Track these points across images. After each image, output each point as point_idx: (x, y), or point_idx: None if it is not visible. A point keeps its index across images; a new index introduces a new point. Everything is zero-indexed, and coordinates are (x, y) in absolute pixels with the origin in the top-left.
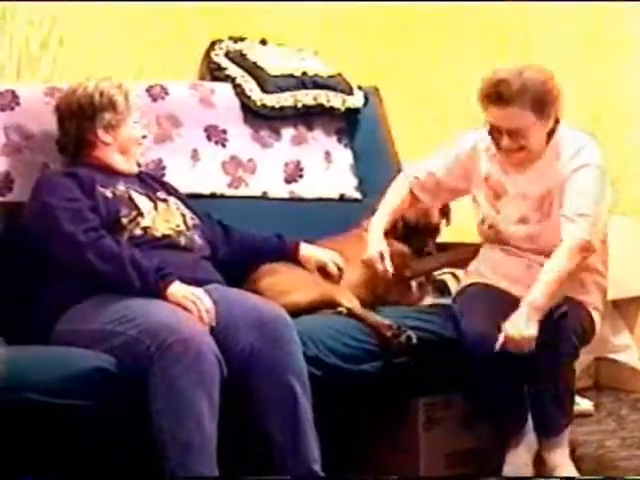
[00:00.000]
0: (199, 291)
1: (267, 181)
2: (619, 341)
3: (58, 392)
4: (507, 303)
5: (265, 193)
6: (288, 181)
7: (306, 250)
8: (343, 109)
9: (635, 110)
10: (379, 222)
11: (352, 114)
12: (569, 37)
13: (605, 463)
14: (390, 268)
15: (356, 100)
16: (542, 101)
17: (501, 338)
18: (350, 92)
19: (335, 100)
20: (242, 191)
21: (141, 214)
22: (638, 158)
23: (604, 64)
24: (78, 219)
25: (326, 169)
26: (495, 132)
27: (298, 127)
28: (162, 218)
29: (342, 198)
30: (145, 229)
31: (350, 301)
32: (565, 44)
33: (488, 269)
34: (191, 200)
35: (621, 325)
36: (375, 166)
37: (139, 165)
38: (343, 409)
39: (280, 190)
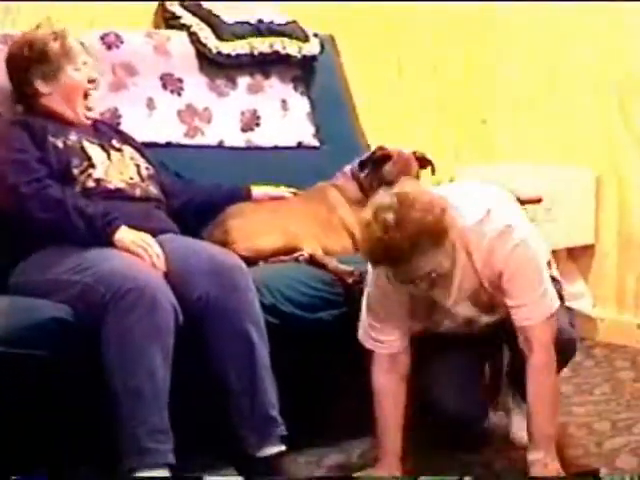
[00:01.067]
0: (147, 237)
1: (223, 130)
2: (573, 289)
3: (15, 342)
4: None
5: (221, 142)
6: (244, 130)
7: (257, 192)
8: (299, 56)
9: None
10: None
11: (308, 62)
12: None
13: (560, 408)
14: None
15: (312, 47)
16: (438, 234)
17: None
18: (306, 39)
19: (291, 47)
20: (198, 140)
21: (92, 165)
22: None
23: None
24: (23, 171)
25: (283, 117)
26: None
27: (254, 75)
28: (116, 169)
29: (300, 146)
30: (98, 181)
31: (313, 248)
32: None
33: None
34: (147, 149)
35: (575, 273)
36: (332, 114)
37: (89, 110)
38: (304, 357)
39: (237, 139)
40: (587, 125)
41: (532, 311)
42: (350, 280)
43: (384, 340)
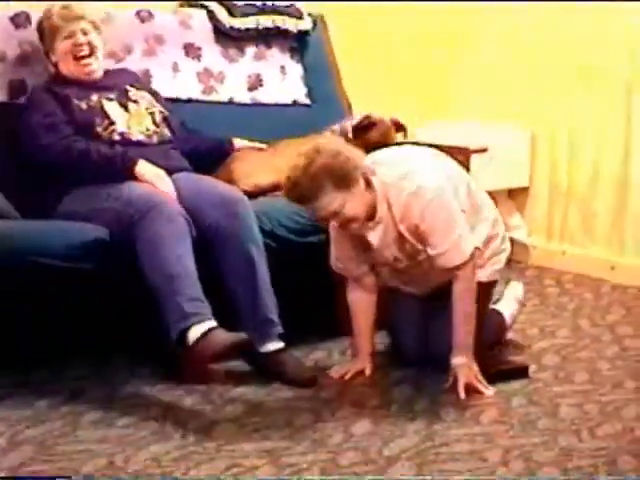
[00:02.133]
0: (161, 171)
1: (233, 89)
2: (512, 222)
3: (62, 257)
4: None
5: (231, 99)
6: (250, 89)
7: (239, 142)
8: (295, 31)
9: None
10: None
11: (303, 36)
12: None
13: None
14: None
15: (306, 24)
16: (340, 178)
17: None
18: (301, 17)
19: (289, 23)
20: (213, 97)
21: (112, 122)
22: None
23: None
24: (53, 132)
25: (281, 80)
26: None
27: (259, 46)
28: (135, 121)
29: (295, 103)
30: (122, 134)
31: None
32: None
33: None
34: (173, 104)
35: (513, 209)
36: (321, 78)
37: (89, 69)
38: (297, 273)
39: (244, 97)
40: (526, 92)
41: (450, 257)
42: None
43: (344, 267)
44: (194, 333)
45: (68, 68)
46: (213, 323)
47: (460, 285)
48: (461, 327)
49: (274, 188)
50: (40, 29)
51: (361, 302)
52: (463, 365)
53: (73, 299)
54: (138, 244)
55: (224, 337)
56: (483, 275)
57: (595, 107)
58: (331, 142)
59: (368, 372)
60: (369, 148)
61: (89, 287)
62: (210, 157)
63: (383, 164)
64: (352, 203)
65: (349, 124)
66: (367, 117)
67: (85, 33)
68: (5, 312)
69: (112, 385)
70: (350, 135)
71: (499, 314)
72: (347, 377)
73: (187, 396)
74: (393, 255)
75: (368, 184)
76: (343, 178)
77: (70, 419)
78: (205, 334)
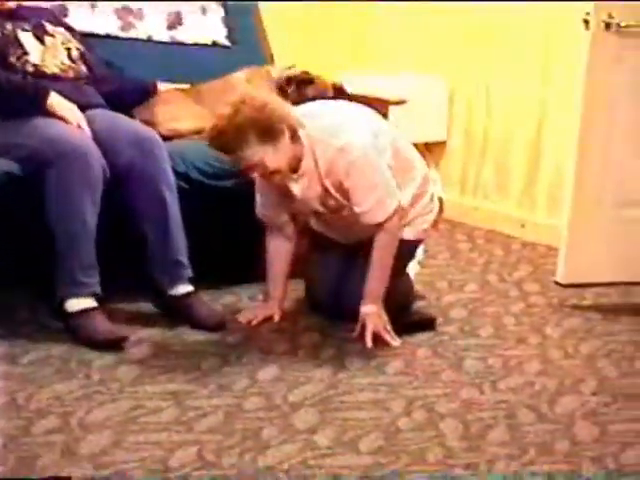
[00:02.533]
0: (73, 105)
1: (152, 27)
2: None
3: None
4: None
5: (150, 37)
6: (169, 28)
7: (163, 86)
8: None
9: None
10: None
11: None
12: None
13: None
14: None
15: None
16: (267, 131)
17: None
18: None
19: None
20: (131, 34)
21: (26, 52)
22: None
23: None
24: None
25: (202, 20)
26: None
27: None
28: (50, 54)
29: (214, 44)
30: (36, 66)
31: None
32: None
33: None
34: (90, 39)
35: (430, 162)
36: (242, 21)
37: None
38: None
39: (163, 35)
40: (446, 44)
41: (373, 215)
42: None
43: (267, 214)
44: (75, 303)
45: None
46: (93, 302)
47: (382, 236)
48: (376, 276)
49: (192, 133)
50: None
51: (279, 249)
52: (373, 314)
53: None
54: (47, 188)
55: (104, 328)
56: (409, 233)
57: (512, 65)
58: (259, 93)
59: (276, 318)
60: (302, 102)
61: None
62: (132, 98)
63: (311, 117)
64: (276, 155)
65: (285, 75)
66: (306, 72)
67: None
68: None
69: (15, 321)
70: (286, 86)
71: (408, 277)
72: (255, 322)
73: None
74: (316, 207)
75: (294, 137)
76: (268, 131)
77: None
78: (86, 311)
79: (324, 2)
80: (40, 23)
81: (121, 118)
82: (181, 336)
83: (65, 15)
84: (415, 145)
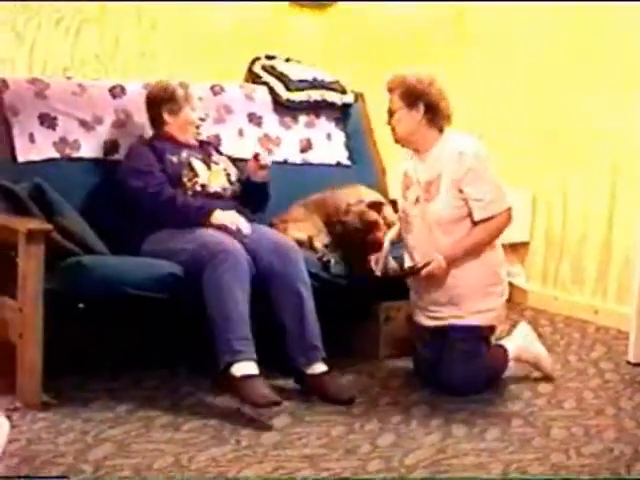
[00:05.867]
0: (235, 213)
1: (287, 151)
2: (513, 270)
3: (145, 287)
4: None
5: (286, 160)
6: (302, 151)
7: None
8: (340, 104)
9: None
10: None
11: (346, 108)
12: None
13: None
14: None
15: (349, 98)
16: (410, 94)
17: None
18: (344, 93)
19: (335, 97)
20: (271, 158)
21: (196, 174)
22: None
23: None
24: (149, 177)
25: (328, 144)
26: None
27: (310, 115)
28: (214, 177)
29: (338, 164)
30: (203, 186)
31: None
32: None
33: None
34: (238, 162)
35: (514, 259)
36: (360, 144)
37: (197, 138)
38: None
39: (296, 158)
40: (529, 158)
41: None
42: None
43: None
44: (237, 369)
45: (181, 132)
46: (254, 369)
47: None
48: (463, 243)
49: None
50: (167, 93)
51: None
52: (440, 263)
53: (151, 321)
54: (204, 282)
55: (262, 392)
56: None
57: (586, 174)
58: None
59: None
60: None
61: (164, 312)
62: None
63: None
64: (402, 116)
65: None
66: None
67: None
68: (94, 330)
69: (179, 395)
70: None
71: (504, 350)
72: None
73: (241, 407)
74: (416, 195)
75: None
76: (410, 96)
77: (144, 422)
78: (247, 377)
79: None
80: (209, 152)
81: (264, 229)
82: (313, 407)
83: (219, 144)
84: (502, 246)
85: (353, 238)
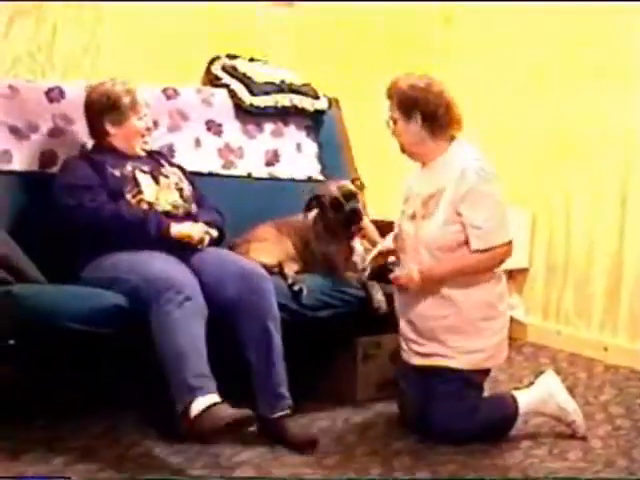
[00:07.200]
0: (190, 223)
1: (251, 164)
2: (510, 301)
3: (86, 321)
4: None
5: (250, 174)
6: (268, 164)
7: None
8: (312, 110)
9: None
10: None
11: (318, 115)
12: None
13: (494, 388)
14: None
15: (321, 104)
16: (404, 102)
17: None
18: (317, 97)
19: (306, 103)
20: (232, 171)
21: (141, 191)
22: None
23: None
24: (86, 193)
25: (297, 156)
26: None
27: (277, 123)
28: (164, 193)
29: (309, 179)
30: (150, 204)
31: (290, 268)
32: None
33: None
34: (194, 176)
35: (512, 289)
36: (334, 156)
37: (145, 149)
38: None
39: (261, 171)
40: (527, 174)
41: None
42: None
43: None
44: (197, 405)
45: (127, 143)
46: (216, 398)
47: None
48: (446, 263)
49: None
50: (110, 100)
51: None
52: (418, 275)
53: (93, 360)
54: (151, 320)
55: (227, 413)
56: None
57: (590, 195)
58: None
59: None
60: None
61: (106, 350)
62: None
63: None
64: (401, 126)
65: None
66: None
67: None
68: (27, 371)
69: (123, 445)
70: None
71: (513, 401)
72: None
73: (197, 459)
74: (413, 209)
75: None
76: (406, 106)
77: (83, 477)
78: (208, 408)
79: None
80: (158, 164)
81: (228, 253)
82: (280, 458)
83: (173, 155)
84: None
85: (333, 210)
